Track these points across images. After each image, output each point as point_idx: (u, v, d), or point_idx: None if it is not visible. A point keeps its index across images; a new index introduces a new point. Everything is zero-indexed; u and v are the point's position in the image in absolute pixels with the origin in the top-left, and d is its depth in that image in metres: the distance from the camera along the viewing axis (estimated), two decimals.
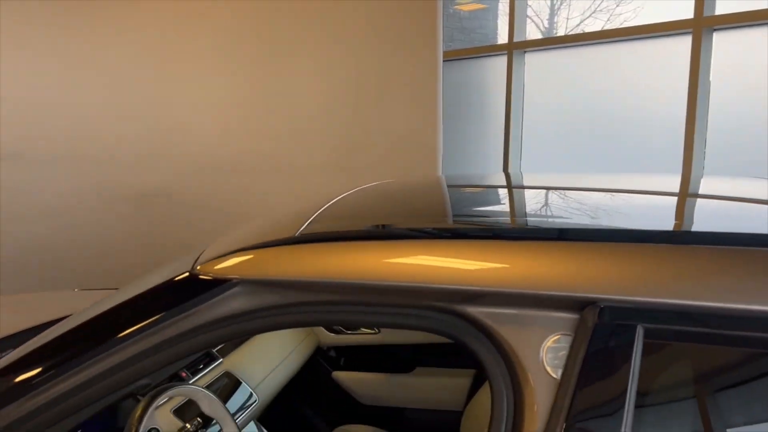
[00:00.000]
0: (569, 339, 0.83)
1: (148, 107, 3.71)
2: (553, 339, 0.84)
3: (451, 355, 2.34)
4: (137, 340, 0.92)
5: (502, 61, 4.24)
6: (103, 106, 3.71)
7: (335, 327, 2.35)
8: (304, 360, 2.23)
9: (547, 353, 0.83)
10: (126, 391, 0.96)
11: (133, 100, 3.71)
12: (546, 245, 0.89)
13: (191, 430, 1.44)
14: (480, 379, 2.26)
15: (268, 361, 2.01)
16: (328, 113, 3.68)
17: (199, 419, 1.46)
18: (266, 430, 1.93)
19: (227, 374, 1.82)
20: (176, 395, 1.39)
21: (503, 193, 1.44)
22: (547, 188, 1.29)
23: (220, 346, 1.90)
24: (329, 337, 2.35)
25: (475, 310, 0.87)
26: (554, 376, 0.83)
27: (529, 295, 0.84)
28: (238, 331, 0.93)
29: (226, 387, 1.77)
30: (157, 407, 1.54)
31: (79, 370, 0.92)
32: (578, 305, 0.83)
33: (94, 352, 0.92)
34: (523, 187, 1.40)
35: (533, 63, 4.17)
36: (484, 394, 2.13)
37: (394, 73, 3.66)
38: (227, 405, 1.45)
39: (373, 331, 2.33)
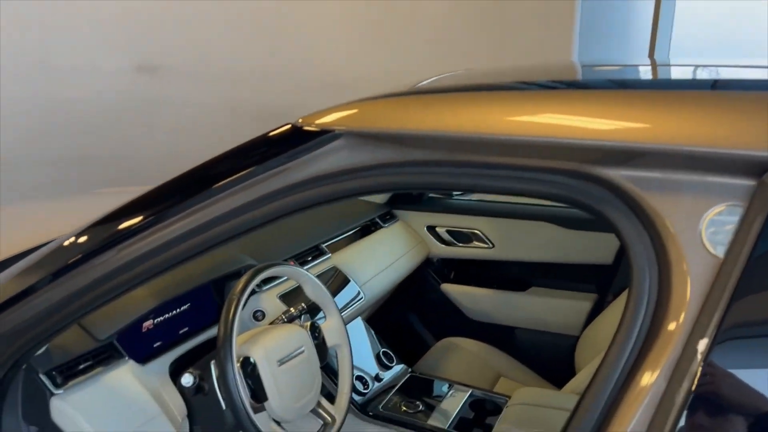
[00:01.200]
0: (739, 210, 0.66)
1: (275, 26, 3.70)
2: (717, 209, 0.67)
3: (570, 276, 2.18)
4: (233, 193, 0.86)
5: None
6: (233, 23, 3.73)
7: (447, 239, 2.25)
8: (412, 267, 2.16)
9: (707, 226, 0.67)
10: (224, 245, 0.91)
11: (260, 19, 3.70)
12: (714, 95, 0.71)
13: (295, 314, 1.41)
14: (601, 304, 2.09)
15: (376, 263, 1.96)
16: (454, 33, 3.48)
17: (303, 305, 1.43)
18: (373, 330, 1.90)
19: (335, 269, 1.78)
20: (279, 275, 1.36)
21: (650, 61, 1.23)
22: (706, 63, 1.07)
23: (329, 242, 1.87)
24: (440, 248, 2.27)
25: (616, 174, 0.71)
26: (715, 253, 0.67)
27: (688, 155, 0.67)
28: (340, 191, 0.85)
29: (333, 281, 1.74)
30: (262, 289, 1.54)
31: (176, 221, 0.88)
32: (756, 168, 0.65)
33: (191, 203, 0.88)
34: (673, 64, 1.18)
35: None
36: (604, 320, 1.97)
37: None
38: (334, 299, 1.40)
39: (486, 245, 2.21)
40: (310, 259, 1.75)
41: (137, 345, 1.27)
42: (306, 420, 1.31)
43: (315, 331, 1.34)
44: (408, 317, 2.35)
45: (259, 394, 1.17)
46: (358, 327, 1.83)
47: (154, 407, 1.15)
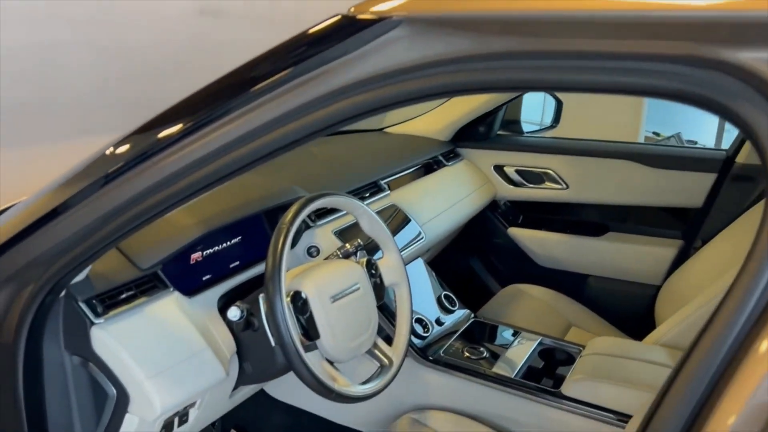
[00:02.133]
0: None
1: None
2: None
3: (653, 220, 1.99)
4: (275, 98, 0.75)
5: None
6: None
7: (516, 179, 2.09)
8: (477, 209, 2.02)
9: None
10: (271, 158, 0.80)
11: None
12: None
13: (351, 250, 1.31)
14: (686, 251, 1.90)
15: (438, 203, 1.83)
16: None
17: (360, 241, 1.33)
18: (434, 273, 1.79)
19: (394, 207, 1.67)
20: (333, 206, 1.25)
21: None
22: None
23: (389, 179, 1.75)
24: (508, 190, 2.11)
25: (751, 56, 0.55)
26: None
27: None
28: (401, 93, 0.71)
29: (393, 220, 1.63)
30: (317, 224, 1.44)
31: (215, 130, 0.78)
32: None
33: (229, 109, 0.77)
34: None
35: None
36: (692, 268, 1.78)
37: None
38: (392, 236, 1.29)
39: (560, 186, 2.04)
40: (368, 195, 1.63)
41: (184, 277, 1.19)
42: (362, 362, 1.22)
43: (371, 268, 1.24)
44: (471, 262, 2.22)
45: (310, 332, 1.08)
46: (419, 268, 1.72)
47: (200, 342, 1.08)
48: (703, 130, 4.02)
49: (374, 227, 1.26)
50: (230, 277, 1.28)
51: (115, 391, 1.02)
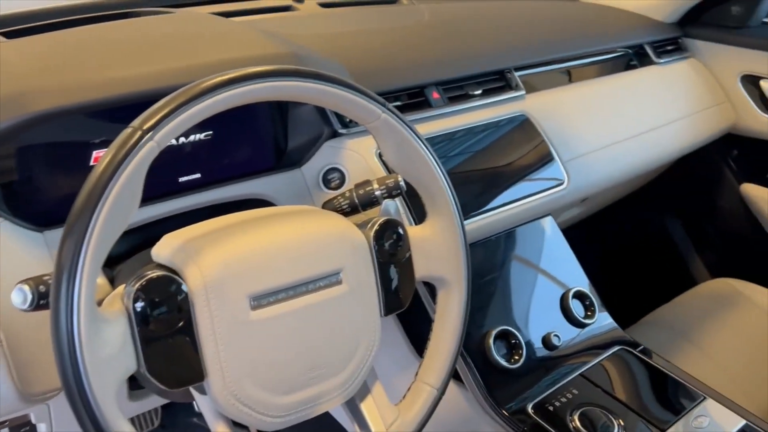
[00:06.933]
0: None
1: None
2: None
3: None
4: None
5: None
6: None
7: None
8: (694, 146, 1.21)
9: None
10: None
11: None
12: None
13: (378, 193, 0.67)
14: None
15: (616, 121, 1.07)
16: None
17: (400, 179, 0.68)
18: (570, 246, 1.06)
19: (522, 120, 0.96)
20: (292, 99, 0.59)
21: None
22: None
23: (532, 71, 1.03)
24: (758, 120, 1.24)
25: None
26: None
27: None
28: None
29: (515, 145, 0.93)
30: (351, 131, 0.81)
31: None
32: None
33: None
34: None
35: None
36: None
37: None
38: (444, 174, 0.62)
39: None
40: (478, 93, 0.94)
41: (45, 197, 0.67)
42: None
43: (390, 241, 0.60)
44: (668, 225, 1.41)
45: (186, 366, 0.50)
46: (542, 232, 0.99)
47: None
48: None
49: (405, 155, 0.61)
50: (170, 196, 0.73)
51: None
